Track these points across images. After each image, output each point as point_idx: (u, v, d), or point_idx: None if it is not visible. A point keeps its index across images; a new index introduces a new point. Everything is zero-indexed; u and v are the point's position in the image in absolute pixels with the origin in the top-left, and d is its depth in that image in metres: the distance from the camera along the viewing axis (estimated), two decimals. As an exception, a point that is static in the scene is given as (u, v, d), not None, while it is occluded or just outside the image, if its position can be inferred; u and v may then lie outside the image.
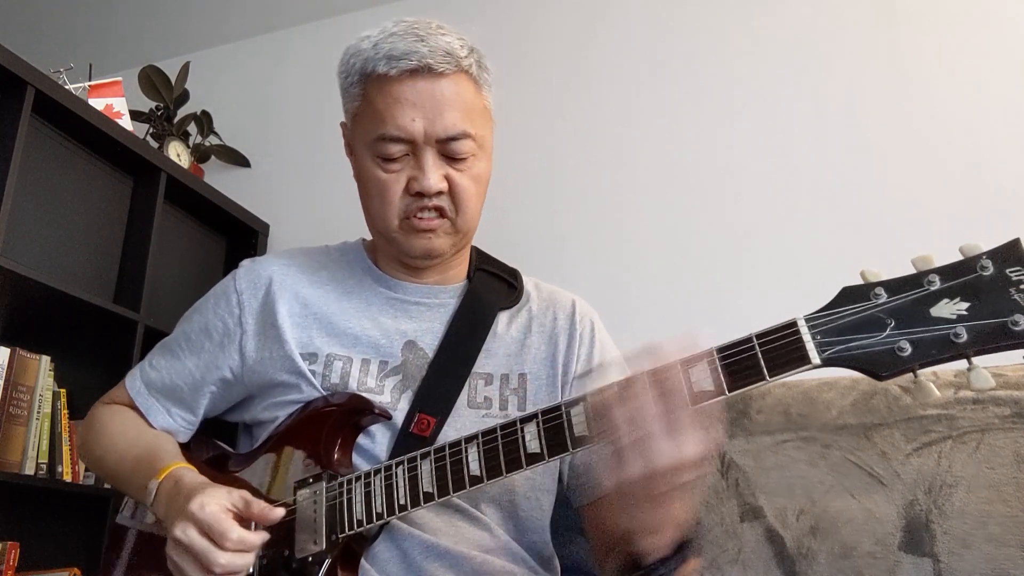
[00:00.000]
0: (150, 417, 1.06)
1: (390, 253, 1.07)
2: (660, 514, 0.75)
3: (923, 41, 1.89)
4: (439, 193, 0.98)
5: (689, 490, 0.74)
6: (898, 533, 1.23)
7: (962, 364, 0.67)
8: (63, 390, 1.84)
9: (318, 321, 1.04)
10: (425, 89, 0.96)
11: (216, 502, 0.85)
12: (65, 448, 1.78)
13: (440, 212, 0.99)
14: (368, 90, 0.99)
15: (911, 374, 0.68)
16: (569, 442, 0.78)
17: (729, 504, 1.35)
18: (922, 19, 1.90)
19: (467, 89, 1.00)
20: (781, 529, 1.30)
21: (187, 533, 0.84)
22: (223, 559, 0.82)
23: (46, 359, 1.79)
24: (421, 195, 0.98)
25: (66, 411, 1.81)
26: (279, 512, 0.88)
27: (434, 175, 0.97)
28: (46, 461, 1.75)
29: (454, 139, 0.97)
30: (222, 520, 0.84)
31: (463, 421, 0.98)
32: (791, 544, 1.28)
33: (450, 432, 0.91)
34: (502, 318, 1.08)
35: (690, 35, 2.12)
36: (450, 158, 0.99)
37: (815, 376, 1.39)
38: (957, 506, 1.21)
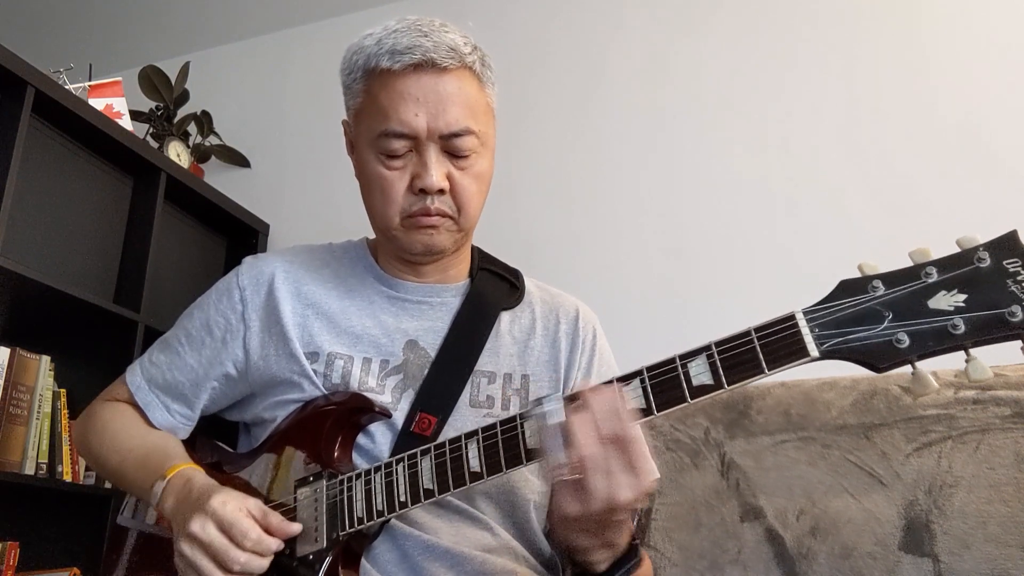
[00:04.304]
0: (149, 413, 1.06)
1: (391, 251, 1.07)
2: (602, 536, 0.78)
3: (919, 33, 1.90)
4: (440, 192, 0.98)
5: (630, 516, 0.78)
6: (898, 533, 1.23)
7: (960, 356, 0.67)
8: (63, 390, 1.84)
9: (320, 319, 1.03)
10: (428, 84, 0.96)
11: (236, 502, 0.86)
12: (65, 448, 1.78)
13: (440, 213, 0.99)
14: (371, 86, 0.99)
15: (909, 366, 0.68)
16: None
17: (729, 504, 1.35)
18: (919, 13, 1.91)
19: (470, 85, 0.99)
20: (781, 529, 1.30)
21: (206, 529, 0.84)
22: (242, 558, 0.83)
23: (46, 359, 1.79)
24: (424, 192, 0.97)
25: (66, 411, 1.81)
26: (296, 527, 0.89)
27: (437, 172, 0.96)
28: (46, 461, 1.75)
29: (457, 135, 0.97)
30: (242, 520, 0.84)
31: (464, 420, 0.97)
32: (791, 544, 1.28)
33: (451, 432, 0.91)
34: (504, 317, 1.08)
35: (689, 37, 2.12)
36: (453, 155, 0.98)
37: (815, 376, 1.39)
38: (957, 506, 1.21)
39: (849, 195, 1.84)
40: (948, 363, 0.74)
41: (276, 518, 0.88)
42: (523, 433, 0.80)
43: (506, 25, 2.34)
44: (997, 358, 0.70)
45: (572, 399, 0.77)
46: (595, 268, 2.01)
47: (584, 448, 0.73)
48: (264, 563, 0.85)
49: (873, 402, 1.32)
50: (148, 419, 1.06)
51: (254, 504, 0.88)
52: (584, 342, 1.08)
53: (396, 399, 0.99)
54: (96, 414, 1.10)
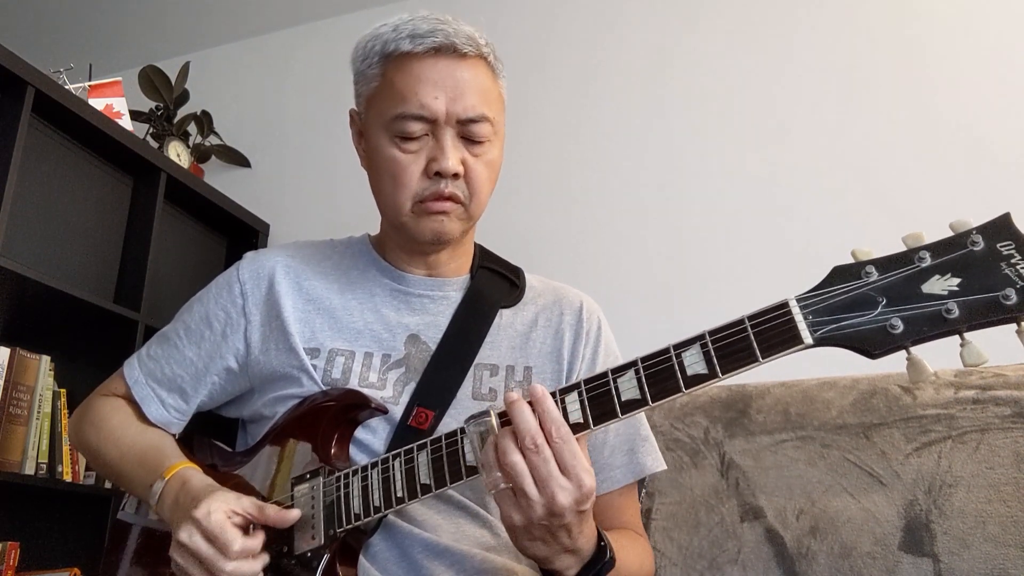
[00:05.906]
0: (144, 407, 1.06)
1: (398, 241, 1.07)
2: (557, 543, 0.77)
3: (915, 29, 1.90)
4: (455, 177, 0.98)
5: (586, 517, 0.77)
6: (898, 533, 1.23)
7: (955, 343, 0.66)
8: (63, 390, 1.84)
9: (322, 314, 1.04)
10: (447, 68, 0.97)
11: (222, 509, 0.85)
12: (65, 448, 1.78)
13: (453, 198, 0.99)
14: (388, 69, 0.99)
15: (904, 351, 0.67)
16: None
17: (729, 504, 1.35)
18: (916, 9, 1.91)
19: (486, 74, 1.01)
20: (781, 529, 1.30)
21: (193, 539, 0.84)
22: (229, 567, 0.83)
23: (46, 359, 1.80)
24: (439, 176, 0.97)
25: (66, 411, 1.81)
26: (295, 514, 0.89)
27: (454, 156, 0.97)
28: (46, 461, 1.75)
29: (474, 121, 0.97)
30: (227, 530, 0.84)
31: (467, 414, 0.97)
32: (791, 544, 1.28)
33: (451, 424, 0.91)
34: (504, 314, 1.08)
35: (686, 33, 2.13)
36: (468, 141, 0.99)
37: (814, 375, 1.39)
38: (957, 506, 1.21)
39: (845, 184, 1.84)
40: (947, 363, 0.73)
41: (273, 509, 0.88)
42: None
43: (505, 23, 2.34)
44: (997, 358, 0.70)
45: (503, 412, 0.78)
46: (593, 262, 2.01)
47: (505, 456, 0.74)
48: (255, 566, 0.85)
49: (873, 401, 1.32)
50: (143, 414, 1.06)
51: (249, 501, 0.88)
52: (588, 333, 1.08)
53: (398, 392, 0.99)
54: (93, 409, 1.10)
